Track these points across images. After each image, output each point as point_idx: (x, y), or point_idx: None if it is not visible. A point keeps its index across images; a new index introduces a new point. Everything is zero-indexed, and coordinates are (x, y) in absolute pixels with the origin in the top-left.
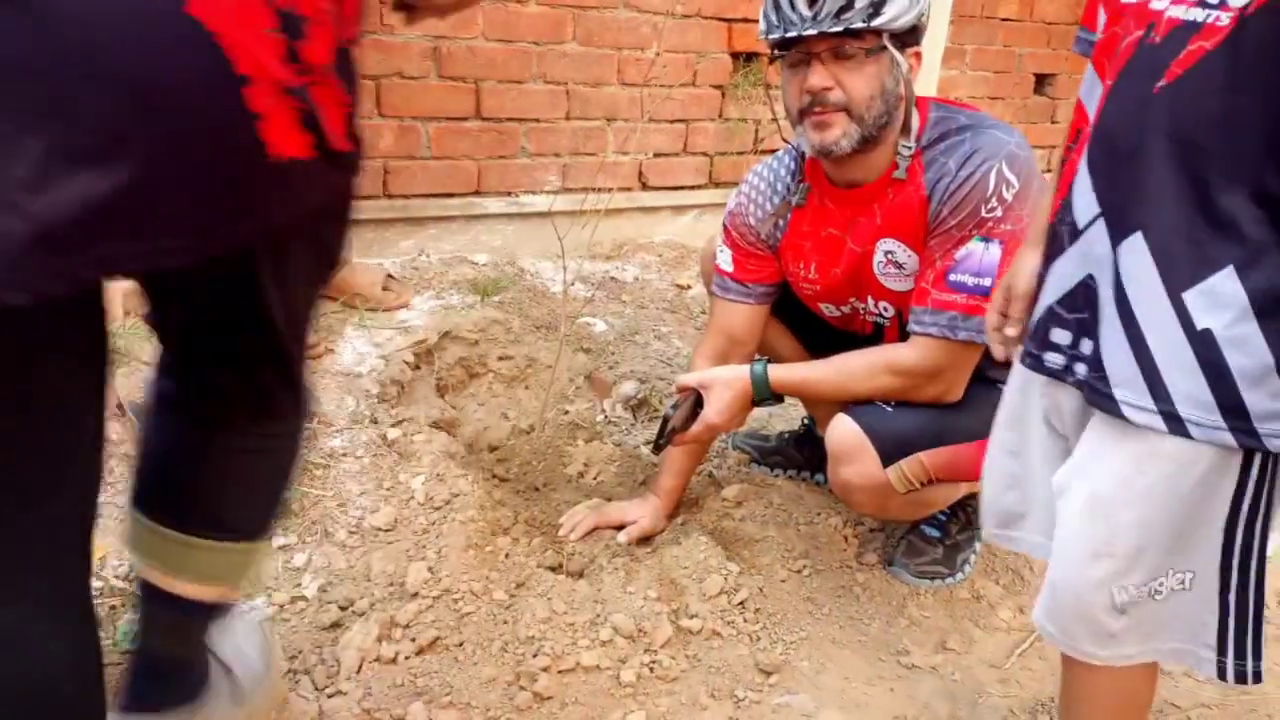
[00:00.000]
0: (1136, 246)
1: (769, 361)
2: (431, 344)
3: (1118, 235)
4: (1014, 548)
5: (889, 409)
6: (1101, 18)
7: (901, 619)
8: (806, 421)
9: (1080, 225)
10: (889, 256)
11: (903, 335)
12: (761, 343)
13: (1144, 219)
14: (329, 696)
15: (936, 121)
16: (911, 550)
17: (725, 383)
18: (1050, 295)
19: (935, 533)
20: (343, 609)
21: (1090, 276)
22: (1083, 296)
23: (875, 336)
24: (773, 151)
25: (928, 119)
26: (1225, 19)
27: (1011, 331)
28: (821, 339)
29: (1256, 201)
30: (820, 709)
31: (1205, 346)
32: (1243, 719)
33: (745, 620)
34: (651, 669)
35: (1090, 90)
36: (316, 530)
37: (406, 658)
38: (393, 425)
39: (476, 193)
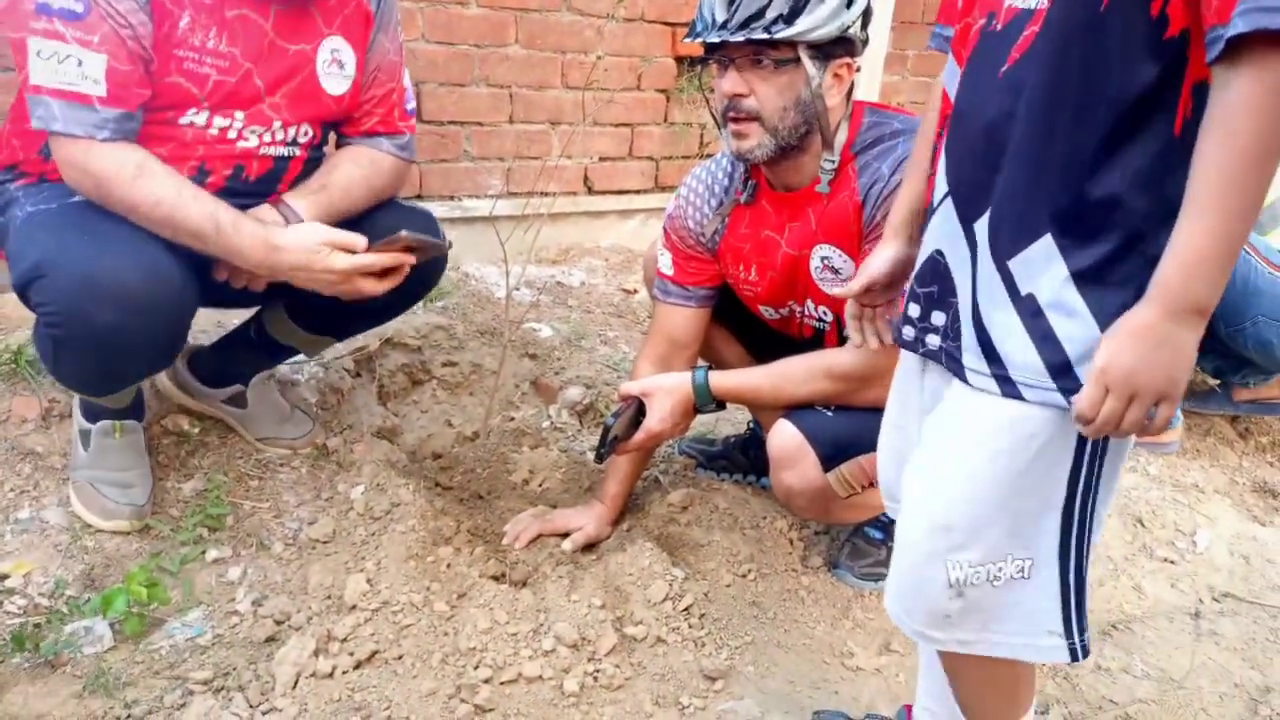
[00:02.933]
0: (985, 222)
1: (711, 367)
2: (372, 350)
3: (972, 213)
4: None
5: (829, 413)
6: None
7: (846, 621)
8: (752, 425)
9: (934, 204)
10: (825, 262)
11: (842, 340)
12: (705, 347)
13: (991, 196)
14: (264, 714)
15: (870, 127)
16: (855, 553)
17: (667, 390)
18: (914, 274)
19: (878, 535)
20: (278, 623)
21: (938, 252)
22: (931, 271)
23: (815, 341)
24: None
25: (861, 124)
26: (1045, 2)
27: (870, 320)
28: (765, 344)
29: (1073, 173)
30: (765, 714)
31: (1030, 311)
32: (1178, 713)
33: (690, 626)
34: (595, 678)
35: (951, 78)
36: (252, 542)
37: (344, 672)
38: (332, 434)
39: (418, 197)
